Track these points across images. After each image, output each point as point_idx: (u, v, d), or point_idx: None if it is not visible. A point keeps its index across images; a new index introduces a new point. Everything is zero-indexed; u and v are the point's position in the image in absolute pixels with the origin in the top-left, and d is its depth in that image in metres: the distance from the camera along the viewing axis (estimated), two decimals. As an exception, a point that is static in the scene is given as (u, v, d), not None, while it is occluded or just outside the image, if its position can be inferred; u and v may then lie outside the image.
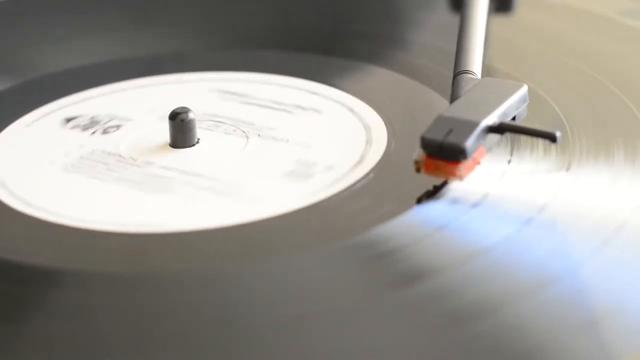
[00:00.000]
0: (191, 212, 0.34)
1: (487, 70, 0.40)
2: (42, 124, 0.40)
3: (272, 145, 0.37)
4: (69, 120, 0.40)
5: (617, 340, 0.28)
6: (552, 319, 0.28)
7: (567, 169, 0.35)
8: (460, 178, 0.33)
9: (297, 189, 0.34)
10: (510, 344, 0.27)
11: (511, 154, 0.35)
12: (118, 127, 0.39)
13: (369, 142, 0.37)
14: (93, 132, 0.39)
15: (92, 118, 0.40)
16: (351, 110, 0.39)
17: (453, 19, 0.43)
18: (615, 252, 0.31)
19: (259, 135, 0.38)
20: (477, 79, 0.37)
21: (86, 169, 0.36)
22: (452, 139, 0.33)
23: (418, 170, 0.33)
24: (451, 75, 0.37)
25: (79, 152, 0.38)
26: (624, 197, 0.33)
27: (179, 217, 0.33)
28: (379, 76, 0.42)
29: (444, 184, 0.34)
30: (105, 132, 0.39)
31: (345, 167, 0.36)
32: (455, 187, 0.34)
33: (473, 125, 0.33)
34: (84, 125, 0.40)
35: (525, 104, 0.35)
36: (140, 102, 0.41)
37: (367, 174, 0.35)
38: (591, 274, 0.30)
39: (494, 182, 0.34)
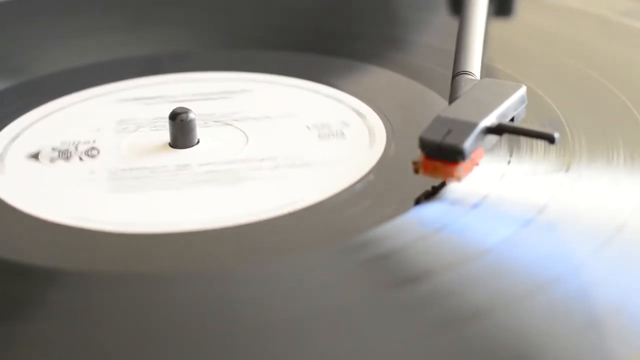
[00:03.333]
0: (191, 212, 0.34)
1: (486, 70, 0.40)
2: (42, 123, 0.40)
3: (272, 145, 0.37)
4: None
5: (617, 342, 0.28)
6: (551, 321, 0.28)
7: (567, 170, 0.35)
8: (459, 179, 0.33)
9: (296, 189, 0.34)
10: (509, 346, 0.27)
11: (511, 155, 0.35)
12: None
13: (368, 142, 0.37)
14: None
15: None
16: (350, 110, 0.39)
17: (453, 20, 0.43)
18: (614, 253, 0.31)
19: (259, 135, 0.38)
20: (476, 79, 0.37)
21: (86, 168, 0.37)
22: (450, 140, 0.32)
23: (416, 171, 0.33)
24: (451, 76, 0.37)
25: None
26: (624, 198, 0.33)
27: (179, 217, 0.33)
28: (379, 76, 0.42)
29: (443, 185, 0.34)
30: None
31: (345, 167, 0.36)
32: (455, 188, 0.33)
33: (471, 126, 0.33)
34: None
35: (524, 105, 0.35)
36: (140, 102, 0.41)
37: (367, 175, 0.35)
38: (591, 275, 0.30)
39: (493, 183, 0.34)
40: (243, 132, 0.39)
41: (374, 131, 0.38)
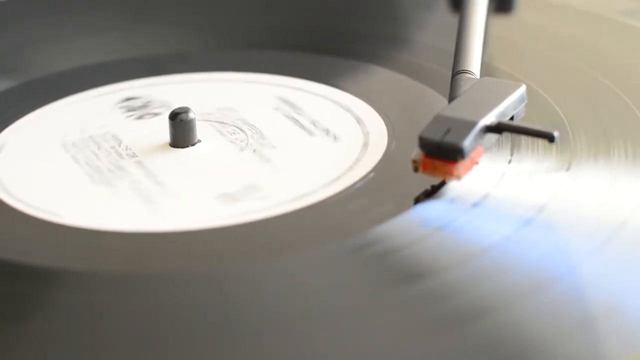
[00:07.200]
0: (191, 212, 0.34)
1: (487, 69, 0.40)
2: (43, 123, 0.40)
3: (272, 144, 0.37)
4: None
5: (616, 340, 0.27)
6: (552, 320, 0.28)
7: (568, 169, 0.35)
8: (458, 178, 0.33)
9: (296, 189, 0.34)
10: (509, 345, 0.27)
11: (511, 154, 0.35)
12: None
13: (368, 142, 0.37)
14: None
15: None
16: (351, 109, 0.39)
17: (453, 19, 0.43)
18: (615, 252, 0.31)
19: (260, 135, 0.38)
20: (475, 78, 0.37)
21: (86, 169, 0.37)
22: (450, 139, 0.32)
23: (416, 169, 0.33)
24: (451, 75, 0.37)
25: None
26: (624, 197, 0.33)
27: (179, 217, 0.33)
28: (379, 76, 0.42)
29: (442, 184, 0.34)
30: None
31: (345, 166, 0.36)
32: (455, 187, 0.33)
33: (471, 124, 0.33)
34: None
35: (524, 103, 0.35)
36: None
37: (367, 174, 0.35)
38: (591, 274, 0.30)
39: (494, 182, 0.34)
40: (243, 131, 0.39)
41: (374, 130, 0.38)
